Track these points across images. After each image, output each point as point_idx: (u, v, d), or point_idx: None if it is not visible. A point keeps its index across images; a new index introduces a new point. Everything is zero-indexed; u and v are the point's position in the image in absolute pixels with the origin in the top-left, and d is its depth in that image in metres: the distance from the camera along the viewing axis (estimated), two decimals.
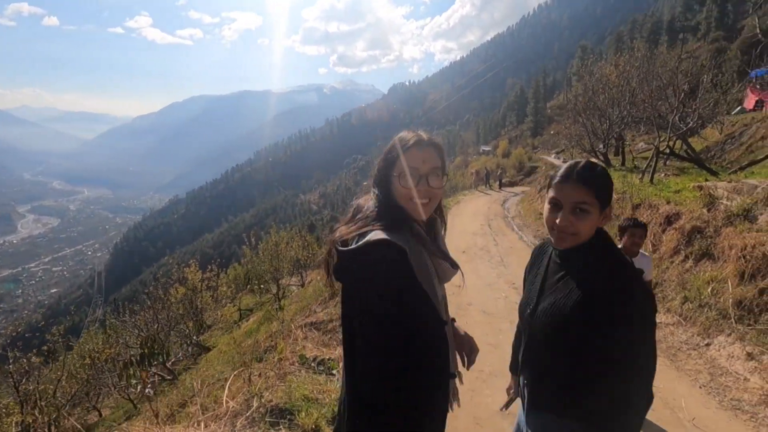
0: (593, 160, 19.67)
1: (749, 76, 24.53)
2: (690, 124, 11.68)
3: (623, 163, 16.99)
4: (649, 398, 1.09)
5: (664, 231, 5.59)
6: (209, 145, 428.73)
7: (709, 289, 3.75)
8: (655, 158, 9.47)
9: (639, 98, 15.16)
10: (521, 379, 1.38)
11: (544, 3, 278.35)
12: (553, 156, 39.44)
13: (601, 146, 17.42)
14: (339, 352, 2.76)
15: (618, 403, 1.04)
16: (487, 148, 72.70)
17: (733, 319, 3.32)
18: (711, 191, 4.95)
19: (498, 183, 26.25)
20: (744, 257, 3.62)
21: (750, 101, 22.93)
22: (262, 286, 15.25)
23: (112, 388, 8.64)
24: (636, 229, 2.73)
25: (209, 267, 16.77)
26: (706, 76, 13.30)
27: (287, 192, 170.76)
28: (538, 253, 1.42)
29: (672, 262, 4.83)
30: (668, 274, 4.65)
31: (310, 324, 3.75)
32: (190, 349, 12.42)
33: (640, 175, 9.86)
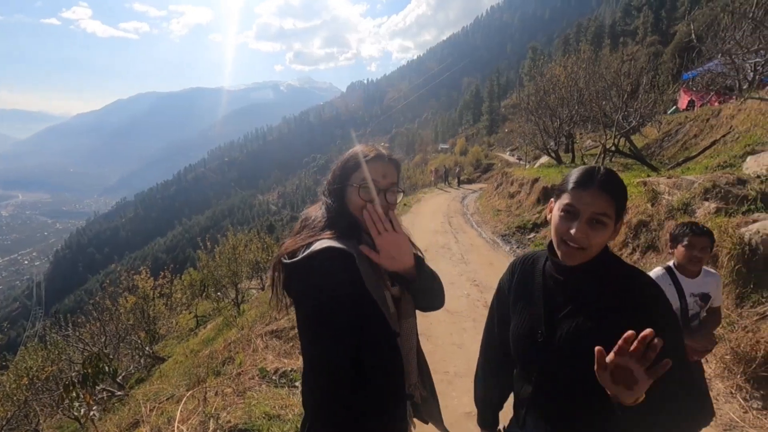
0: (546, 157, 20.58)
1: (683, 77, 26.36)
2: (633, 123, 12.39)
3: (573, 160, 17.78)
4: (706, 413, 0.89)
5: None
6: (159, 144, 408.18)
7: None
8: (602, 155, 9.94)
9: (586, 98, 15.99)
10: (528, 422, 1.10)
11: (495, 5, 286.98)
12: (507, 153, 40.93)
13: (552, 144, 18.14)
14: (301, 361, 2.67)
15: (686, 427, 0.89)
16: (445, 146, 74.24)
17: None
18: (654, 187, 5.25)
19: (457, 180, 26.79)
20: None
21: (683, 101, 24.67)
22: (219, 293, 14.69)
23: (55, 407, 8.02)
24: (698, 237, 1.94)
25: (162, 273, 15.98)
26: (645, 77, 14.11)
27: (244, 192, 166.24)
28: (524, 269, 1.18)
29: (620, 255, 5.07)
30: None
31: (270, 333, 3.59)
32: (142, 360, 11.77)
33: None
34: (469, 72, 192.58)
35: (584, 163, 17.57)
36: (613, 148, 10.80)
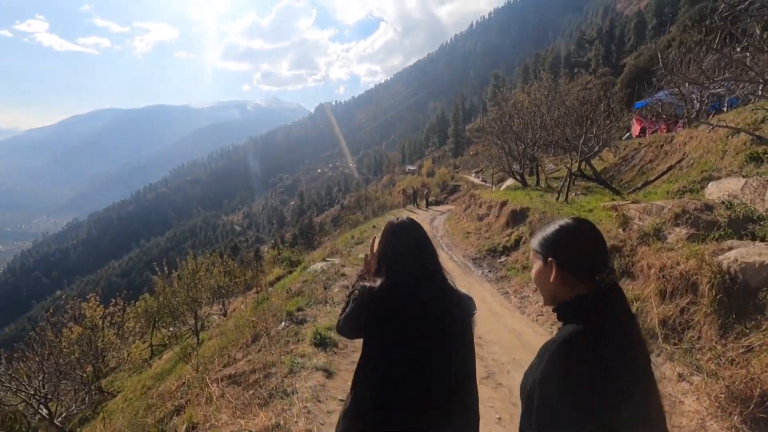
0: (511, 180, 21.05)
1: (635, 106, 27.95)
2: (596, 149, 12.84)
3: (538, 183, 18.24)
4: None
5: None
6: (118, 162, 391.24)
7: (634, 309, 3.87)
8: (568, 179, 10.15)
9: (548, 123, 16.59)
10: None
11: (459, 33, 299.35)
12: (473, 175, 41.69)
13: (517, 166, 18.58)
14: (261, 417, 2.31)
15: None
16: (412, 168, 75.25)
17: (660, 339, 3.42)
18: (624, 212, 5.27)
19: (425, 202, 26.88)
20: (663, 276, 3.79)
21: (636, 129, 26.08)
22: (173, 326, 13.80)
23: None
24: None
25: (113, 300, 14.89)
26: (602, 104, 14.77)
27: (208, 213, 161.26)
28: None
29: None
30: None
31: (228, 377, 3.19)
32: (87, 398, 10.70)
33: (556, 195, 10.54)
34: (435, 96, 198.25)
35: (548, 186, 18.08)
36: (578, 172, 11.07)
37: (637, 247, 4.75)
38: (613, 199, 9.06)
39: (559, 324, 1.11)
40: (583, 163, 13.57)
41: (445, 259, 9.58)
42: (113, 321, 14.97)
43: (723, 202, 4.79)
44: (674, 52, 15.75)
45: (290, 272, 15.77)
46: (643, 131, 25.01)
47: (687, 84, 15.70)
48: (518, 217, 10.03)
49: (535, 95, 16.90)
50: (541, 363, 1.00)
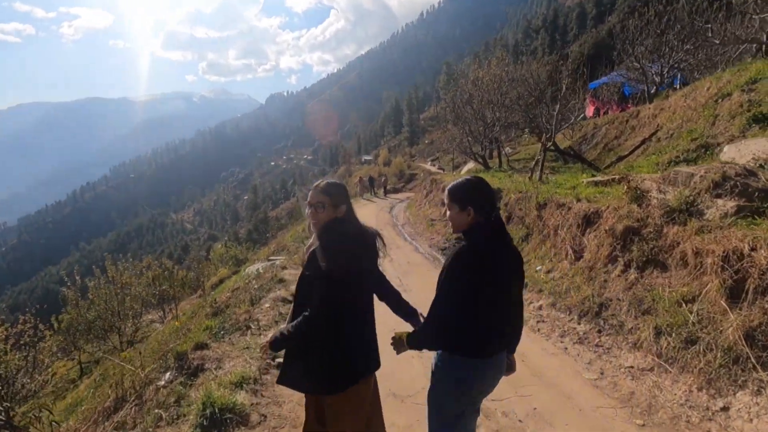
0: (472, 164, 20.23)
1: (589, 87, 27.99)
2: (564, 126, 12.14)
3: (500, 165, 17.45)
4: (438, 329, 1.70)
5: (584, 233, 4.73)
6: (50, 163, 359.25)
7: (691, 315, 2.72)
8: (543, 155, 9.16)
9: (508, 101, 15.82)
10: None
11: (410, 23, 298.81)
12: (429, 163, 41.05)
13: (478, 149, 17.71)
14: None
15: (423, 327, 1.76)
16: (368, 158, 73.91)
17: (752, 363, 2.28)
18: (638, 184, 4.16)
19: (383, 190, 25.67)
20: (729, 267, 2.65)
21: (590, 110, 26.11)
22: (93, 342, 11.73)
23: None
24: None
25: (22, 318, 12.50)
26: (564, 83, 14.11)
27: (154, 211, 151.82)
28: None
29: (609, 273, 3.89)
30: (612, 290, 3.68)
31: None
32: None
33: (528, 175, 9.56)
34: (388, 86, 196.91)
35: (511, 168, 17.35)
36: (552, 147, 10.15)
37: (663, 227, 3.62)
38: (593, 175, 8.16)
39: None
40: (549, 143, 12.84)
41: (409, 251, 8.31)
42: (22, 342, 12.61)
43: (762, 166, 3.75)
44: (633, 26, 15.35)
45: (236, 272, 14.03)
46: (597, 112, 24.94)
47: (645, 60, 15.37)
48: None
49: (495, 70, 15.96)
50: (447, 261, 1.67)
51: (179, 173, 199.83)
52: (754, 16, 12.90)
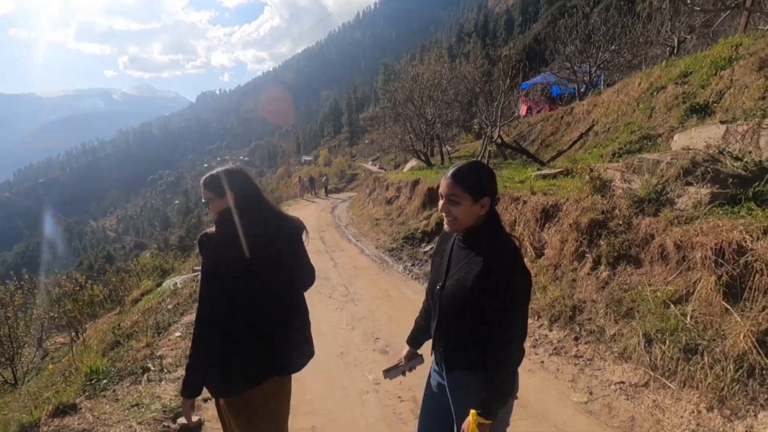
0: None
1: (521, 87, 29.09)
2: (504, 123, 12.23)
3: (442, 162, 17.39)
4: (522, 353, 1.37)
5: (542, 228, 4.40)
6: None
7: (687, 318, 2.37)
8: (486, 148, 8.96)
9: (449, 97, 15.86)
10: (437, 349, 1.52)
11: (347, 23, 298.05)
12: (370, 163, 40.91)
13: (420, 146, 17.54)
14: None
15: (503, 361, 1.30)
16: (308, 158, 72.52)
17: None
18: (600, 173, 3.87)
19: (324, 190, 24.82)
20: (724, 263, 2.32)
21: (523, 109, 27.12)
22: None
23: None
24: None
25: None
26: (503, 80, 14.31)
27: (71, 219, 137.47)
28: (443, 239, 1.57)
29: (577, 271, 3.55)
30: (583, 290, 3.33)
31: None
32: None
33: None
34: (326, 85, 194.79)
35: (453, 165, 17.35)
36: (499, 140, 10.02)
37: (632, 219, 3.32)
38: (539, 169, 8.07)
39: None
40: (495, 137, 12.94)
41: (354, 253, 7.68)
42: None
43: (722, 152, 3.59)
44: (563, 26, 15.95)
45: (160, 284, 12.53)
46: (529, 111, 25.90)
47: (575, 59, 16.02)
48: (435, 196, 8.53)
49: (434, 67, 15.86)
50: (496, 275, 1.29)
51: (99, 177, 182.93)
52: (666, 22, 13.96)
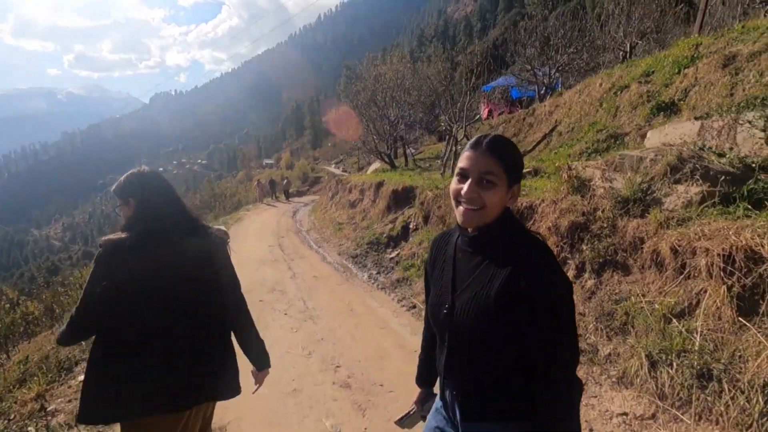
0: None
1: (483, 89, 29.49)
2: (469, 123, 12.11)
3: (407, 164, 17.12)
4: (580, 385, 1.00)
5: None
6: None
7: (696, 336, 2.05)
8: (453, 147, 8.68)
9: (413, 98, 15.66)
10: (448, 390, 1.13)
11: (308, 24, 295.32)
12: (333, 166, 40.52)
13: (384, 147, 17.21)
14: None
15: (561, 395, 0.94)
16: (270, 161, 71.14)
17: None
18: (578, 172, 3.58)
19: (285, 194, 23.97)
20: (737, 271, 2.02)
21: (485, 112, 27.48)
22: None
23: None
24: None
25: None
26: (465, 81, 14.27)
27: (9, 228, 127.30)
28: (439, 245, 1.21)
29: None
30: None
31: None
32: None
33: (440, 170, 9.05)
34: (288, 87, 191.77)
35: (418, 166, 17.12)
36: (464, 140, 9.77)
37: (617, 221, 3.03)
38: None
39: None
40: (461, 137, 12.87)
41: (315, 261, 7.14)
42: None
43: (702, 149, 3.39)
44: (523, 29, 16.14)
45: None
46: (491, 113, 26.21)
47: (535, 62, 16.23)
48: (401, 198, 8.15)
49: (397, 66, 15.61)
50: (536, 278, 0.93)
51: (42, 182, 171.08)
52: (619, 27, 14.44)
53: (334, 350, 3.27)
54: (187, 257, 1.42)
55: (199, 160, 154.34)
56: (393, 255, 6.33)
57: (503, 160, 0.98)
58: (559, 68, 15.74)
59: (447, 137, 16.79)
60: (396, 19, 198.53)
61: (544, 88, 16.43)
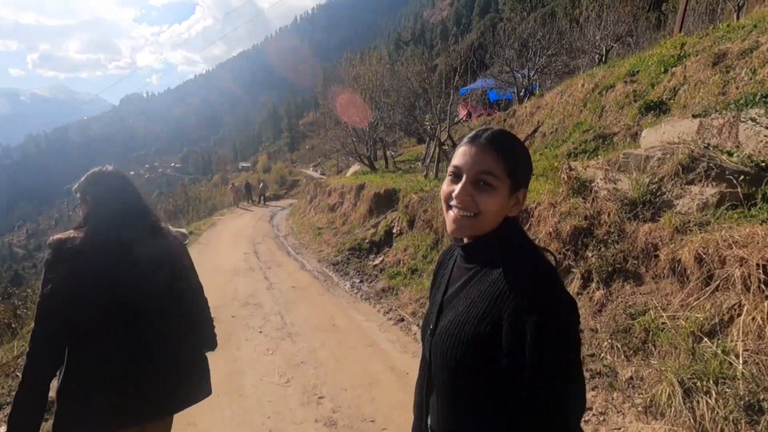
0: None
1: (460, 93, 29.62)
2: (451, 124, 11.94)
3: (387, 166, 16.82)
4: None
5: None
6: None
7: (738, 361, 1.79)
8: (437, 150, 8.43)
9: (392, 99, 15.41)
10: (427, 422, 0.96)
11: (285, 27, 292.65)
12: (311, 169, 40.25)
13: (363, 149, 16.88)
14: None
15: None
16: (246, 165, 70.25)
17: None
18: (579, 173, 3.33)
19: (262, 197, 23.32)
20: None
21: (463, 113, 27.57)
22: None
23: None
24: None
25: None
26: (444, 85, 14.23)
27: None
28: (444, 257, 1.06)
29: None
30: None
31: None
32: None
33: (423, 173, 8.77)
34: (265, 90, 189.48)
35: (397, 169, 16.83)
36: (448, 141, 9.50)
37: (625, 225, 2.78)
38: None
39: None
40: (445, 138, 12.78)
41: (294, 269, 6.73)
42: None
43: (708, 147, 3.19)
44: (502, 30, 16.17)
45: None
46: (469, 115, 26.29)
47: (514, 63, 16.25)
48: (383, 201, 7.82)
49: (376, 67, 15.36)
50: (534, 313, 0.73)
51: (4, 187, 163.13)
52: (598, 30, 14.63)
53: (316, 376, 2.89)
54: (144, 260, 1.35)
55: (173, 164, 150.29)
56: (377, 262, 5.98)
57: (506, 157, 0.81)
58: (538, 70, 15.78)
59: (428, 139, 16.64)
60: (373, 22, 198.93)
61: (523, 90, 16.46)
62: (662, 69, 6.12)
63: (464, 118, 26.69)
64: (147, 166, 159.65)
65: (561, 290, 0.75)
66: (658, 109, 5.57)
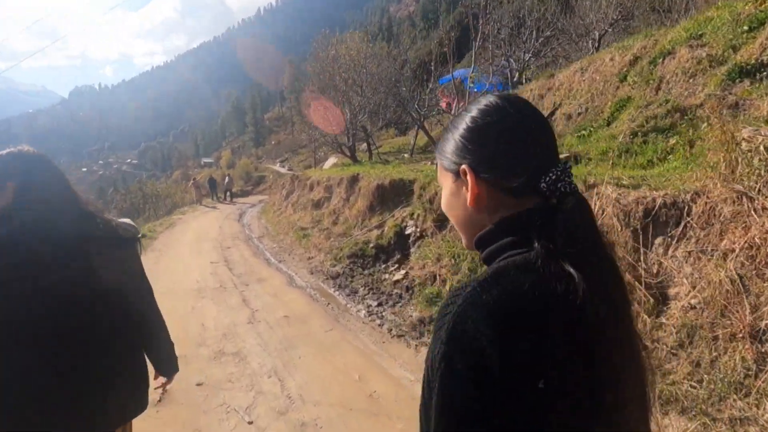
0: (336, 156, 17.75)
1: (439, 83, 28.53)
2: (434, 111, 10.84)
3: (371, 158, 15.31)
4: None
5: (649, 245, 2.40)
6: None
7: None
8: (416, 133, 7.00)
9: (377, 81, 14.09)
10: None
11: (248, 18, 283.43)
12: (278, 165, 39.33)
13: (345, 140, 15.28)
14: None
15: None
16: (209, 160, 68.02)
17: None
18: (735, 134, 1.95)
19: (228, 193, 21.22)
20: None
21: (444, 104, 26.49)
22: None
23: None
24: None
25: None
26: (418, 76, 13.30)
27: None
28: None
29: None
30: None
31: None
32: None
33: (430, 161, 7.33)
34: (228, 83, 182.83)
35: (384, 160, 15.31)
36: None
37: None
38: None
39: None
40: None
41: (280, 285, 5.10)
42: None
43: None
44: (490, 24, 15.03)
45: None
46: (449, 106, 25.24)
47: (509, 46, 15.14)
48: (389, 195, 6.27)
49: (359, 46, 13.87)
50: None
51: None
52: (590, 15, 13.86)
53: None
54: (80, 259, 1.13)
55: (129, 160, 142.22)
56: (398, 277, 4.44)
57: (439, 145, 0.67)
58: (534, 53, 14.69)
59: (417, 127, 15.35)
60: (338, 16, 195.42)
61: (516, 74, 15.34)
62: (746, 27, 4.94)
63: (445, 108, 25.58)
64: (101, 162, 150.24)
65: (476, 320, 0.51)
66: (759, 73, 4.36)
